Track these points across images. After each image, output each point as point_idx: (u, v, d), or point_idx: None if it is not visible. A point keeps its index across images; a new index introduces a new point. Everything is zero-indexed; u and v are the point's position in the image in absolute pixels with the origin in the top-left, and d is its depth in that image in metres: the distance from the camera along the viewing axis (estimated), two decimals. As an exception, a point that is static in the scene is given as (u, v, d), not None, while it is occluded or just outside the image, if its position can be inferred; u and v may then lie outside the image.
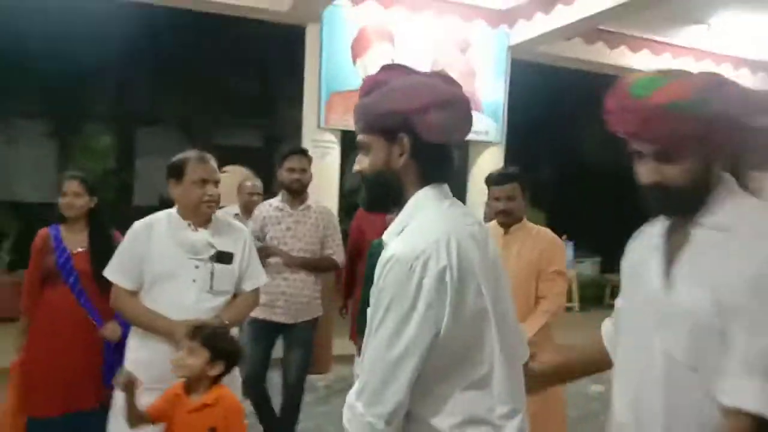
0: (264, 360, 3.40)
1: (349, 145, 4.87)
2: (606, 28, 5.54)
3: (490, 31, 5.41)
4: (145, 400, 2.28)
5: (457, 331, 1.27)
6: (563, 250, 2.97)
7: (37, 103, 12.61)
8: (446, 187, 1.40)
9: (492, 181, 2.88)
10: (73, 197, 3.02)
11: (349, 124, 4.83)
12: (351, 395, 1.33)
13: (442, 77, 1.38)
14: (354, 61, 5.00)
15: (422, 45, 5.17)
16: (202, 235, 2.49)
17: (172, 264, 2.46)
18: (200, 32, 5.57)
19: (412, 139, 1.32)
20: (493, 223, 2.93)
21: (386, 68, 1.39)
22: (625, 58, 5.68)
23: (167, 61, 6.96)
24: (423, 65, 5.05)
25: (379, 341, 1.28)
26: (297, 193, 3.41)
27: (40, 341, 2.98)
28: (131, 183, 11.26)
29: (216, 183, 2.54)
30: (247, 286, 2.60)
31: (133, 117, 11.04)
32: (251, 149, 10.99)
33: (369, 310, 1.32)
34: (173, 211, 2.56)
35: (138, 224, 2.57)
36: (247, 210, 4.03)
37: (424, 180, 1.36)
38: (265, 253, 3.27)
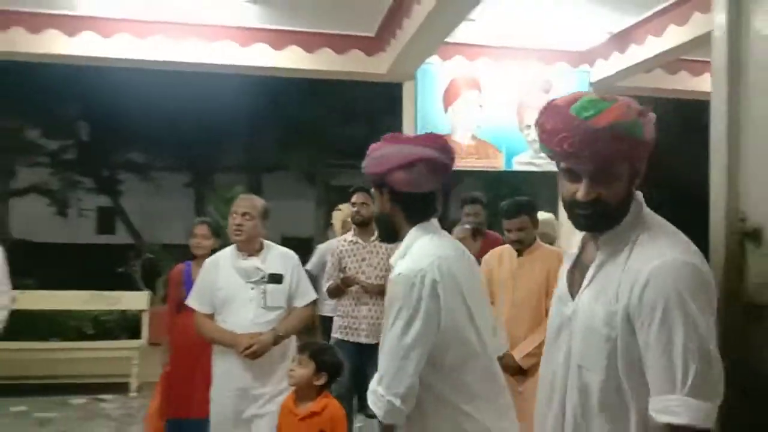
0: (351, 379, 3.74)
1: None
2: (688, 57, 5.78)
3: (571, 70, 5.84)
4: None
5: (448, 325, 1.76)
6: None
7: (178, 159, 14.40)
8: (433, 222, 1.90)
9: (503, 213, 3.27)
10: (201, 239, 3.79)
11: (443, 165, 5.45)
12: (373, 383, 1.80)
13: (432, 139, 1.88)
14: (446, 109, 5.62)
15: (507, 89, 5.69)
16: (252, 262, 3.07)
17: (232, 288, 3.04)
18: (314, 94, 6.45)
19: (388, 191, 1.86)
20: (508, 247, 3.35)
21: (383, 138, 1.93)
22: (707, 84, 5.85)
23: (288, 120, 7.97)
24: (509, 107, 5.60)
25: (392, 339, 1.75)
26: (360, 225, 3.98)
27: (176, 358, 3.69)
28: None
29: (243, 215, 3.05)
30: (299, 303, 3.10)
31: (260, 167, 12.34)
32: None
33: (384, 317, 1.87)
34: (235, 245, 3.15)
35: (208, 260, 3.22)
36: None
37: (410, 218, 1.87)
38: (345, 283, 3.84)
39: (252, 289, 3.03)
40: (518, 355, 3.16)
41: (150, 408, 3.87)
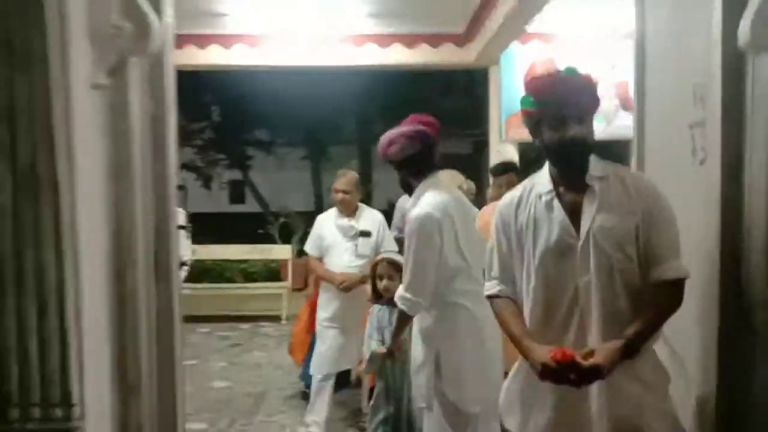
0: None
1: (522, 153, 6.57)
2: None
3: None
4: (328, 333, 4.03)
5: (448, 252, 2.60)
6: None
7: (298, 137, 16.16)
8: (438, 176, 2.80)
9: (492, 172, 4.01)
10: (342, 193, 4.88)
11: (524, 136, 6.51)
12: (400, 290, 2.65)
13: (408, 121, 2.77)
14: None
15: (579, 67, 6.62)
16: (348, 221, 4.16)
17: (334, 239, 4.13)
18: (418, 79, 7.68)
19: (393, 164, 2.80)
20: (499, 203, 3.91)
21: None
22: None
23: (395, 100, 9.24)
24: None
25: (411, 259, 2.60)
26: None
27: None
28: (371, 191, 13.92)
29: (343, 191, 4.08)
30: (385, 253, 3.77)
31: (371, 140, 13.77)
32: (463, 156, 13.01)
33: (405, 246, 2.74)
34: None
35: (318, 217, 4.32)
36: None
37: (414, 176, 2.77)
38: None
39: (347, 241, 4.13)
40: None
41: (295, 328, 5.27)
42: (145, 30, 1.56)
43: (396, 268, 3.18)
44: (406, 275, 2.64)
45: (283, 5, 5.48)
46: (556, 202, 1.82)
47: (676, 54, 2.28)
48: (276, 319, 7.48)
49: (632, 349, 1.70)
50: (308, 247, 4.33)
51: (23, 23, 1.37)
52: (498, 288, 1.95)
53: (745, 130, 1.79)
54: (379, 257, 3.54)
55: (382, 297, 3.30)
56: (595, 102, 1.87)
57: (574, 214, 1.81)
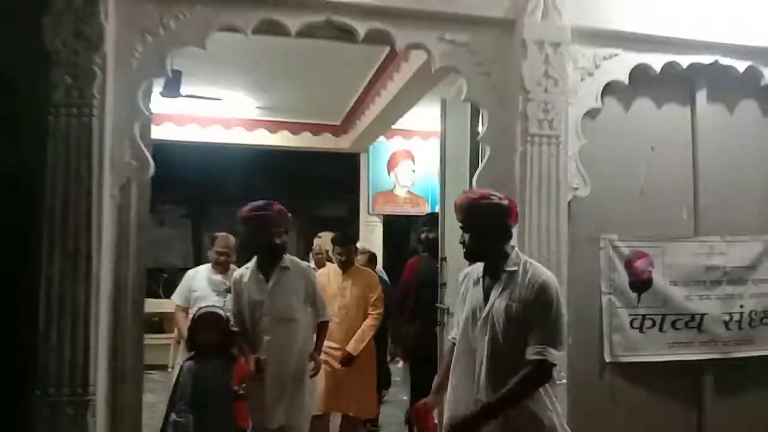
0: None
1: (386, 224, 7.96)
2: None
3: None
4: None
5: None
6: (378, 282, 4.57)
7: (180, 196, 16.75)
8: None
9: (335, 242, 4.51)
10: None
11: (386, 210, 7.96)
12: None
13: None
14: (389, 172, 8.15)
15: (433, 160, 8.21)
16: (221, 278, 4.25)
17: (204, 293, 4.17)
18: (296, 158, 8.96)
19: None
20: (335, 266, 4.49)
21: None
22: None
23: (277, 173, 10.44)
24: (434, 170, 8.07)
25: None
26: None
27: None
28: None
29: (222, 253, 4.30)
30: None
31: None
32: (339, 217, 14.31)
33: None
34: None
35: (189, 271, 4.53)
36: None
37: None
38: None
39: (216, 296, 4.14)
40: (351, 347, 4.24)
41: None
42: (144, 165, 2.67)
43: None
44: None
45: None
46: (479, 284, 2.36)
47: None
48: (164, 368, 8.14)
49: (491, 412, 2.16)
50: (176, 297, 4.52)
51: (82, 162, 2.46)
52: (451, 336, 2.51)
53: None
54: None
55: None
56: (477, 219, 2.32)
57: (487, 295, 2.31)
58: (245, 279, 3.41)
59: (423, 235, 4.83)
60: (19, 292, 2.49)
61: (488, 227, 2.31)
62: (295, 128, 7.75)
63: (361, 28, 2.89)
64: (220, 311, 3.34)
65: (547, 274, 2.30)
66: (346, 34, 2.93)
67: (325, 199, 11.99)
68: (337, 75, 5.73)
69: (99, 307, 2.51)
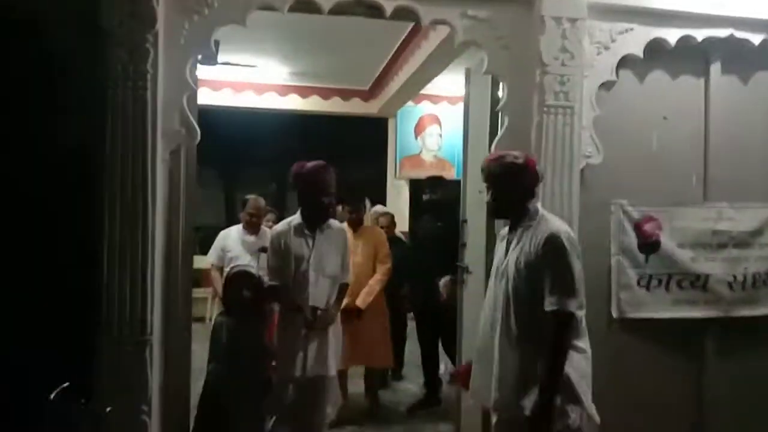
0: None
1: (412, 188, 8.20)
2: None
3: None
4: None
5: None
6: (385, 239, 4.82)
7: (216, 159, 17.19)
8: None
9: (345, 200, 4.73)
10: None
11: (412, 174, 8.18)
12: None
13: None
14: (416, 137, 8.36)
15: (459, 125, 8.37)
16: (253, 238, 4.64)
17: (237, 253, 4.55)
18: (327, 122, 9.20)
19: None
20: (344, 226, 4.19)
21: None
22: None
23: (308, 137, 10.71)
24: (460, 135, 8.24)
25: None
26: None
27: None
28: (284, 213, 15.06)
29: (253, 214, 4.64)
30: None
31: (285, 166, 15.11)
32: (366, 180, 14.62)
33: None
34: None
35: (222, 232, 4.89)
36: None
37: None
38: None
39: (250, 256, 4.48)
40: (359, 300, 4.46)
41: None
42: (192, 133, 2.96)
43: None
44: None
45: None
46: (503, 241, 2.56)
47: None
48: (202, 320, 8.64)
49: (548, 392, 2.24)
50: (211, 256, 4.85)
51: (138, 130, 2.78)
52: None
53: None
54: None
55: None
56: (497, 179, 2.49)
57: (507, 250, 2.50)
58: (291, 234, 3.43)
59: (426, 197, 5.07)
60: (87, 246, 2.83)
61: (507, 185, 2.45)
62: (326, 93, 7.99)
63: (389, 5, 3.10)
64: (252, 270, 3.60)
65: (556, 227, 2.38)
66: (374, 11, 3.14)
67: (354, 163, 12.27)
68: (366, 43, 5.92)
69: (154, 260, 2.84)
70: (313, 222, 3.44)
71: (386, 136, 8.47)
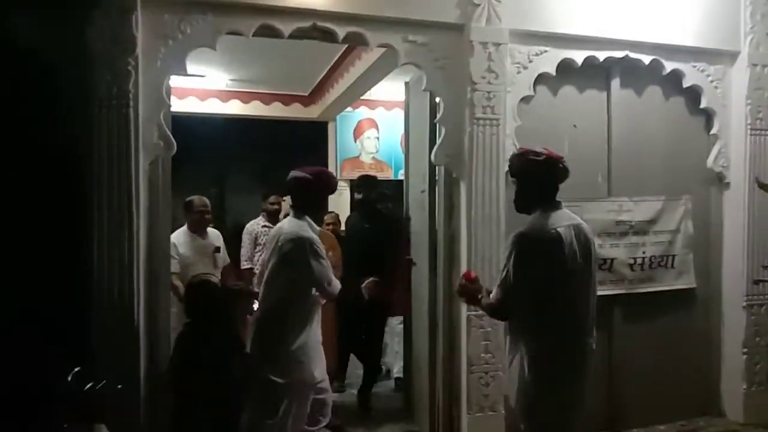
0: None
1: (353, 189, 8.63)
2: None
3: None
4: None
5: None
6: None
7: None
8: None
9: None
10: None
11: (352, 176, 8.63)
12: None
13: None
14: (355, 140, 8.82)
15: (396, 129, 8.90)
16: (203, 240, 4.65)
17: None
18: (269, 127, 9.51)
19: None
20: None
21: None
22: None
23: (250, 141, 10.94)
24: (396, 138, 8.76)
25: None
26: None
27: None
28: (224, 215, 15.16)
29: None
30: None
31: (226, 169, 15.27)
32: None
33: None
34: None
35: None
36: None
37: None
38: None
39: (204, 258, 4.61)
40: None
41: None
42: (169, 145, 3.33)
43: None
44: None
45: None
46: None
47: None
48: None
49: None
50: None
51: (122, 143, 3.13)
52: None
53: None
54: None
55: None
56: (518, 174, 2.60)
57: None
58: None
59: (357, 197, 5.18)
60: (79, 246, 3.15)
61: (523, 180, 2.55)
62: (267, 99, 8.33)
63: (341, 31, 3.56)
64: (214, 279, 3.45)
65: (528, 227, 2.50)
66: (328, 36, 3.59)
67: (296, 165, 12.63)
68: (307, 52, 6.22)
69: (139, 254, 3.21)
70: (318, 224, 3.48)
71: (327, 139, 8.87)
